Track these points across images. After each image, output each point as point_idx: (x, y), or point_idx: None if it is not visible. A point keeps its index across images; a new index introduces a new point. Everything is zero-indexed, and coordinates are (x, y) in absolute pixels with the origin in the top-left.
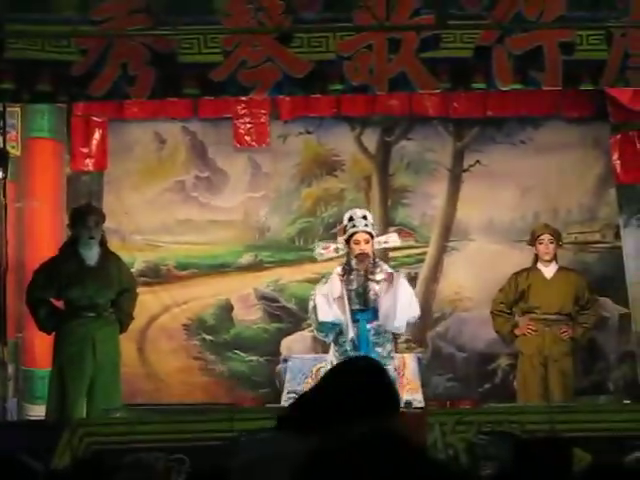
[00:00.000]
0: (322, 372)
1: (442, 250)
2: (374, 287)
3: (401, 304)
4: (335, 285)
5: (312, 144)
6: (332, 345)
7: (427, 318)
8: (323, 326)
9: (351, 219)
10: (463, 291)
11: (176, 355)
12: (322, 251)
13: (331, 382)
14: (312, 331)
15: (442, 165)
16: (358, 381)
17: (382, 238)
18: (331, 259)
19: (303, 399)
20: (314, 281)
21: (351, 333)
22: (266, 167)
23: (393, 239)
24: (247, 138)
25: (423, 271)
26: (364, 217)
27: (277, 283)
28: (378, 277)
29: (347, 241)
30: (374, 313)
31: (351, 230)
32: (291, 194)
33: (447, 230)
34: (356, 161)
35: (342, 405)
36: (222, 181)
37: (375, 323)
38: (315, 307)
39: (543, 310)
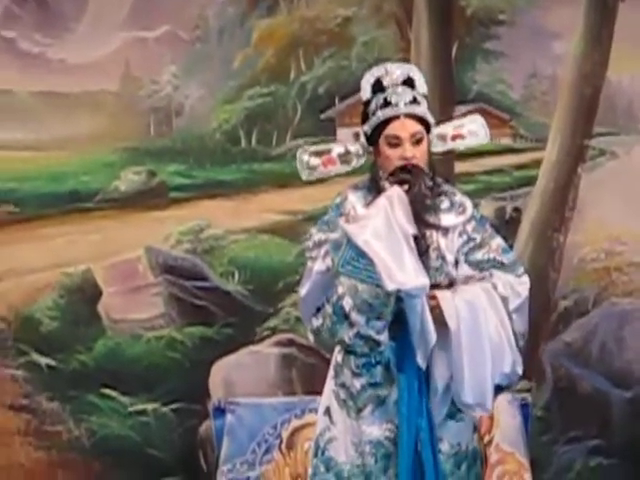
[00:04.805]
0: (304, 435)
1: (577, 157)
2: (437, 242)
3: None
4: (399, 212)
5: None
6: (347, 368)
7: (541, 315)
8: (376, 306)
9: (377, 87)
10: (624, 250)
11: None
12: (314, 160)
13: None
14: (290, 341)
15: None
16: None
17: (447, 128)
18: (326, 179)
19: None
20: (286, 230)
21: (430, 336)
22: None
23: (473, 129)
24: None
25: (532, 205)
26: (407, 82)
27: (200, 235)
28: (447, 221)
29: (371, 137)
30: None
31: (380, 114)
32: (229, 31)
33: (588, 111)
34: None
35: None
36: (71, 4)
37: None
38: (361, 265)
39: None
